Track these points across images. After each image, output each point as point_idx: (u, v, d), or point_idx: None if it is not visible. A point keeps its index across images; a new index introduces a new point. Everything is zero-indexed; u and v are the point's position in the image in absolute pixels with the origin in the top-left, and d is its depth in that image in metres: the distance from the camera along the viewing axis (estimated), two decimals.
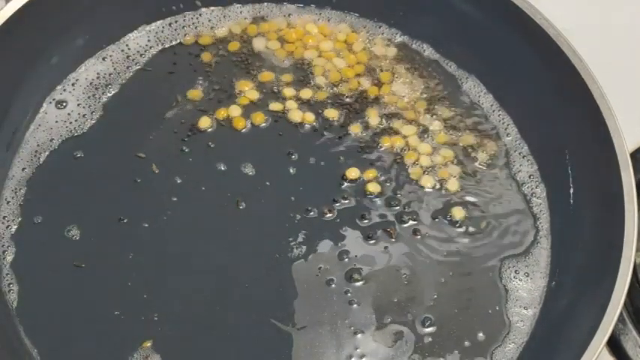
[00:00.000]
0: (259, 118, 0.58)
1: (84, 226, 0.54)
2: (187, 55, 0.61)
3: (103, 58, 0.60)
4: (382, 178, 0.57)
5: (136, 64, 0.61)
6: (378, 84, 0.60)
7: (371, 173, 0.57)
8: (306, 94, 0.60)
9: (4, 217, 0.54)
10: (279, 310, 0.51)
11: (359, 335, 0.51)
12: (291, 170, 0.57)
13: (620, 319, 0.53)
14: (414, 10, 0.61)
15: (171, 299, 0.52)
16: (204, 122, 0.58)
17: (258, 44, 0.62)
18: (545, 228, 0.55)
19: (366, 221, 0.55)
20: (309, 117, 0.59)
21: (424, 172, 0.57)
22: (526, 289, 0.53)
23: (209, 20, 0.63)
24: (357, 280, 0.53)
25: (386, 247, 0.54)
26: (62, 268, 0.52)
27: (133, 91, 0.60)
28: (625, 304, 0.50)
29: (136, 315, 0.51)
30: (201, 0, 0.62)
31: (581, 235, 0.53)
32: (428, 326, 0.51)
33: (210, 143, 0.58)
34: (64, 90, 0.59)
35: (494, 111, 0.59)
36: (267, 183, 0.56)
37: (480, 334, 0.51)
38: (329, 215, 0.55)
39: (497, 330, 0.52)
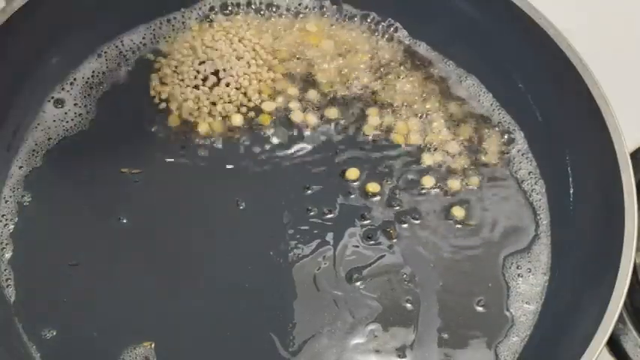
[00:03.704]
0: (262, 118, 0.58)
1: (82, 226, 0.54)
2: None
3: (99, 56, 0.60)
4: (382, 177, 0.57)
5: (132, 62, 0.60)
6: (379, 83, 0.60)
7: (371, 173, 0.57)
8: (307, 94, 0.59)
9: (2, 216, 0.54)
10: (278, 311, 0.51)
11: (360, 335, 0.51)
12: (291, 170, 0.57)
13: (620, 319, 0.53)
14: (414, 10, 0.61)
15: (170, 299, 0.52)
16: (202, 124, 0.58)
17: (259, 43, 0.61)
18: (544, 224, 0.55)
19: (366, 221, 0.55)
20: (310, 117, 0.58)
21: (424, 171, 0.57)
22: (528, 284, 0.53)
23: (209, 19, 0.62)
24: (358, 281, 0.53)
25: (386, 247, 0.54)
26: (60, 266, 0.52)
27: (130, 90, 0.59)
28: (625, 304, 0.50)
29: (133, 314, 0.51)
30: None
31: (582, 234, 0.53)
32: (431, 324, 0.51)
33: (209, 143, 0.57)
34: (62, 89, 0.58)
35: (494, 110, 0.59)
36: (267, 183, 0.56)
37: (484, 329, 0.52)
38: (329, 215, 0.55)
39: (501, 324, 0.52)
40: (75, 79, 0.59)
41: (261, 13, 0.63)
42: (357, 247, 0.54)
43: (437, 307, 0.52)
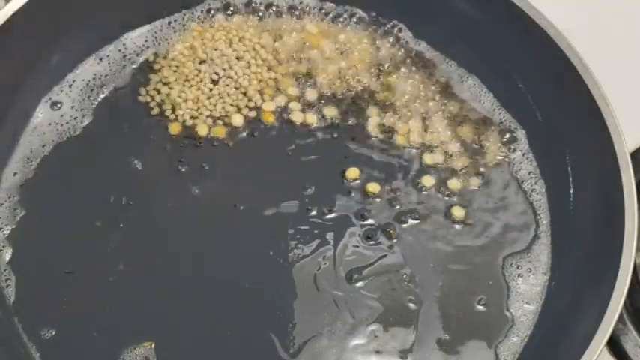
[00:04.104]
0: (263, 118, 0.59)
1: (82, 226, 0.54)
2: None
3: (101, 59, 0.60)
4: (382, 177, 0.57)
5: (132, 63, 0.60)
6: (379, 83, 0.60)
7: (371, 173, 0.57)
8: (307, 94, 0.59)
9: (1, 218, 0.54)
10: (278, 311, 0.51)
11: (360, 336, 0.51)
12: (291, 170, 0.57)
13: (620, 319, 0.53)
14: (415, 10, 0.61)
15: (170, 299, 0.52)
16: (202, 125, 0.58)
17: (259, 43, 0.61)
18: (544, 224, 0.55)
19: (366, 221, 0.55)
20: (310, 117, 0.58)
21: (424, 171, 0.57)
22: (528, 284, 0.53)
23: (209, 20, 0.62)
24: (358, 281, 0.53)
25: (387, 247, 0.54)
26: (60, 266, 0.52)
27: (128, 91, 0.59)
28: (625, 304, 0.50)
29: (133, 314, 0.51)
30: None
31: (582, 234, 0.53)
32: (431, 324, 0.51)
33: (209, 143, 0.57)
34: (61, 91, 0.58)
35: (494, 110, 0.59)
36: (267, 184, 0.56)
37: (484, 329, 0.52)
38: (329, 215, 0.55)
39: (501, 324, 0.52)
40: (75, 81, 0.59)
41: (261, 13, 0.63)
42: (357, 247, 0.54)
43: (437, 307, 0.52)
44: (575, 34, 0.54)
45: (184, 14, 0.62)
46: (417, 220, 0.55)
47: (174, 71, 0.60)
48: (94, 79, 0.59)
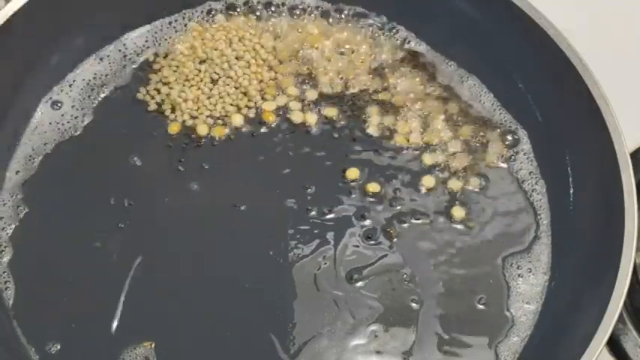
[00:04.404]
0: (263, 118, 0.59)
1: (82, 227, 0.54)
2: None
3: (101, 59, 0.60)
4: (382, 177, 0.57)
5: (132, 63, 0.60)
6: (379, 83, 0.60)
7: (371, 173, 0.56)
8: (307, 94, 0.59)
9: (0, 219, 0.54)
10: (278, 311, 0.51)
11: (360, 336, 0.51)
12: (291, 170, 0.57)
13: (620, 319, 0.53)
14: (415, 10, 0.61)
15: (170, 299, 0.52)
16: (202, 125, 0.58)
17: (259, 43, 0.61)
18: (545, 224, 0.55)
19: (366, 221, 0.55)
20: (311, 117, 0.58)
21: (425, 171, 0.57)
22: (528, 284, 0.53)
23: (209, 20, 0.63)
24: (358, 281, 0.53)
25: (387, 247, 0.54)
26: (59, 266, 0.52)
27: (128, 91, 0.59)
28: (625, 304, 0.50)
29: (133, 314, 0.51)
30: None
31: (582, 235, 0.53)
32: (431, 324, 0.51)
33: (209, 143, 0.57)
34: (61, 90, 0.59)
35: (494, 110, 0.59)
36: (267, 184, 0.56)
37: (484, 328, 0.52)
38: (329, 215, 0.55)
39: (501, 324, 0.52)
40: (75, 81, 0.59)
41: (262, 13, 0.63)
42: (358, 247, 0.54)
43: (437, 307, 0.52)
44: (575, 34, 0.54)
45: (184, 14, 0.62)
46: (417, 220, 0.55)
47: (175, 71, 0.60)
48: (94, 78, 0.59)
